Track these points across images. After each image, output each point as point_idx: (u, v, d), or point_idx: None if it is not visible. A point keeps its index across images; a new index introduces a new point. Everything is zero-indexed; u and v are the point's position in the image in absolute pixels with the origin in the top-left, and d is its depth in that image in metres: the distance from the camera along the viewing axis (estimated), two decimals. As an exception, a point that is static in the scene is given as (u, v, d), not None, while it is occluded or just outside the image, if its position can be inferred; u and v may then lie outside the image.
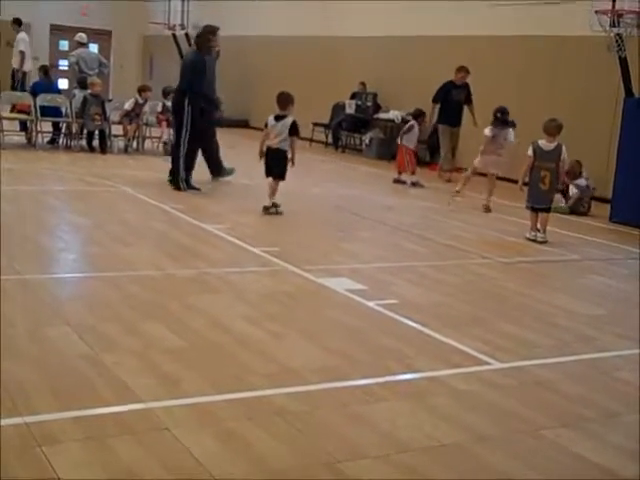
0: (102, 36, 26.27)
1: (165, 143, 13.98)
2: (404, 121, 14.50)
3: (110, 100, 15.16)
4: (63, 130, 14.01)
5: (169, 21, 22.46)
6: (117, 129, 14.08)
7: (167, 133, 13.95)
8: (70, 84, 16.93)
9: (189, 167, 10.12)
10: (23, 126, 13.89)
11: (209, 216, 8.46)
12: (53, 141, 14.03)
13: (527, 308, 6.12)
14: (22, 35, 17.20)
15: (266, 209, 8.94)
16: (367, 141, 16.28)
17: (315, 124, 17.64)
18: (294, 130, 8.89)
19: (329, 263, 6.98)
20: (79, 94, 13.86)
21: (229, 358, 4.47)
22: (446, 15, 15.04)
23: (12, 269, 5.89)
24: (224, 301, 5.54)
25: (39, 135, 13.60)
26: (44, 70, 14.51)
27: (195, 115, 9.95)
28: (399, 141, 12.64)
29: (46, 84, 14.13)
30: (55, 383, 3.90)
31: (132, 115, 13.90)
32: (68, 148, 13.63)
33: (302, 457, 3.36)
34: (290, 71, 18.65)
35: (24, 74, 17.15)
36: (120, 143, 14.15)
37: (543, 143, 8.65)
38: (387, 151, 15.03)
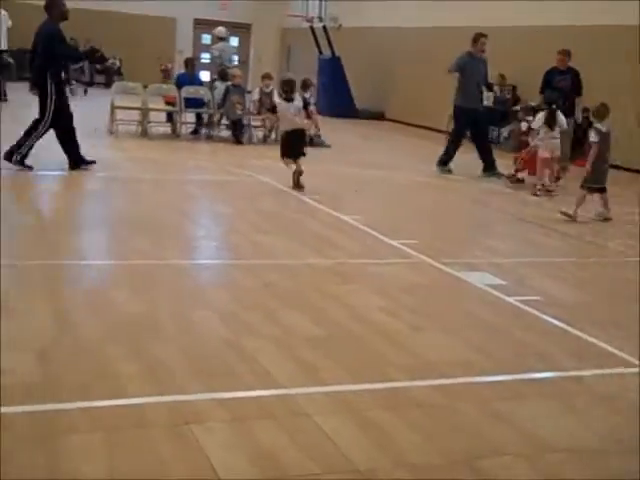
0: (242, 29, 26.85)
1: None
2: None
3: (249, 92, 15.47)
4: (205, 121, 14.42)
5: (307, 13, 22.69)
6: (256, 120, 14.37)
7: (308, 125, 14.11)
8: (211, 76, 17.26)
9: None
10: (169, 117, 14.38)
11: (346, 207, 8.51)
12: (196, 132, 14.46)
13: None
14: (4, 13, 17.10)
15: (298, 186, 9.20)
16: (505, 134, 15.95)
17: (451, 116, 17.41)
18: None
19: (468, 257, 6.89)
20: (220, 86, 14.23)
21: (367, 349, 4.48)
22: (591, 3, 14.51)
23: (158, 255, 6.11)
24: (362, 292, 5.56)
25: (183, 126, 14.04)
26: (187, 63, 14.97)
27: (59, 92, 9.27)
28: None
29: (190, 76, 14.57)
30: (199, 365, 4.03)
31: (265, 105, 14.10)
32: (209, 138, 14.00)
33: (441, 452, 3.33)
34: (425, 63, 18.48)
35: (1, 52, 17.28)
36: (259, 134, 14.43)
37: (601, 126, 8.88)
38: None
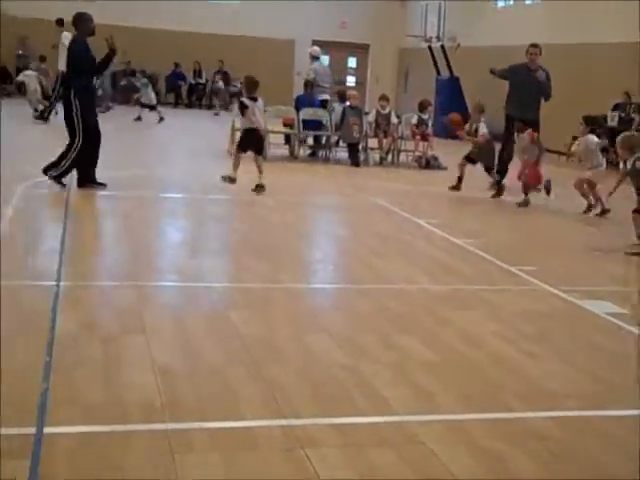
0: (359, 50, 27.12)
1: (420, 157, 14.14)
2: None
3: (367, 113, 15.60)
4: (323, 142, 14.61)
5: (425, 33, 22.69)
6: (372, 142, 14.46)
7: (422, 146, 14.12)
8: (305, 95, 17.02)
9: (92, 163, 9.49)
10: (287, 139, 14.64)
11: (462, 231, 8.44)
12: (313, 153, 14.67)
13: None
14: (66, 34, 17.68)
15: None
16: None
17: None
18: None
19: (587, 284, 6.71)
20: (338, 107, 14.39)
21: (483, 375, 4.44)
22: None
23: (275, 277, 6.24)
24: (478, 318, 5.51)
25: (301, 148, 14.27)
26: (307, 84, 15.23)
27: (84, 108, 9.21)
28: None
29: (308, 98, 14.80)
30: (316, 389, 4.09)
31: (381, 127, 14.17)
32: (326, 160, 14.18)
33: (560, 486, 3.27)
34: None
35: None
36: (375, 156, 14.51)
37: None
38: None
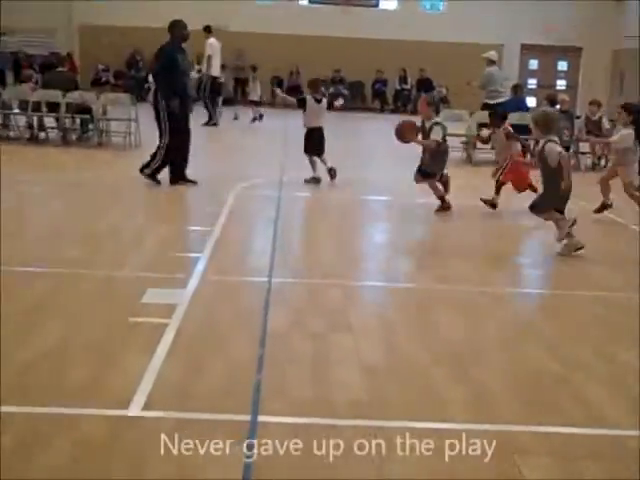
0: (570, 53, 26.20)
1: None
2: None
3: (578, 117, 15.01)
4: (531, 147, 14.21)
5: (644, 33, 21.57)
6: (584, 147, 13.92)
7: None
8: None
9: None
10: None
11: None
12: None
13: None
14: (211, 40, 17.75)
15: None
16: None
17: None
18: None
19: None
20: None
21: None
22: None
23: (484, 281, 6.14)
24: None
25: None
26: (515, 89, 14.88)
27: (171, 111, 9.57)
28: None
29: (516, 103, 14.47)
30: (524, 395, 3.98)
31: (592, 133, 13.57)
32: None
33: None
34: None
35: (213, 79, 17.73)
36: (588, 161, 13.95)
37: None
38: None
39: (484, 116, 14.17)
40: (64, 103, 13.31)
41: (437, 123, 8.80)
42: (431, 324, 5.08)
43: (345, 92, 24.61)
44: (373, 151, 15.29)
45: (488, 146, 14.24)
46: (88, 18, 24.36)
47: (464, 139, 13.91)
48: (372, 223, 8.71)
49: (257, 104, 19.24)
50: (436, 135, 8.70)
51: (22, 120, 13.77)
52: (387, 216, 9.12)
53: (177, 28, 9.86)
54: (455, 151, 13.69)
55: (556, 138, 7.20)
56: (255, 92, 19.40)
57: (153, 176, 9.69)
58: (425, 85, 24.58)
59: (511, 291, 6.07)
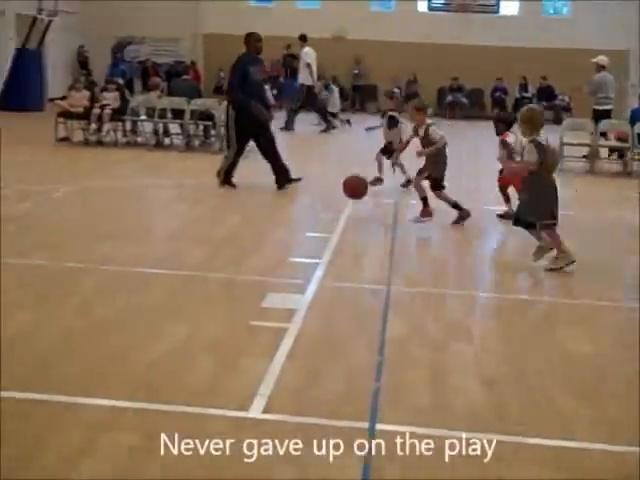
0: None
1: None
2: None
3: None
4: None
5: None
6: None
7: None
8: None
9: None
10: (620, 154, 13.90)
11: None
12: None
13: None
14: (307, 49, 17.48)
15: None
16: None
17: None
18: None
19: None
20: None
21: None
22: None
23: (605, 296, 5.95)
24: None
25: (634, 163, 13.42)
26: (641, 97, 14.38)
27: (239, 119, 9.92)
28: None
29: (643, 111, 13.98)
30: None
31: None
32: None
33: None
34: None
35: (308, 88, 17.41)
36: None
37: None
38: None
39: (605, 124, 13.76)
40: (188, 110, 13.74)
41: (431, 124, 8.66)
42: (553, 338, 4.96)
43: (464, 100, 24.39)
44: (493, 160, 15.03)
45: (614, 156, 13.88)
46: (213, 27, 24.99)
47: (587, 150, 13.55)
48: (491, 234, 8.56)
49: (334, 115, 19.09)
50: (434, 135, 8.47)
51: (149, 126, 14.25)
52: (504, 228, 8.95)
53: (251, 40, 10.28)
54: (574, 161, 13.35)
55: (542, 135, 6.78)
56: (334, 104, 19.35)
57: (225, 183, 10.03)
58: (547, 93, 24.04)
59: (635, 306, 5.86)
